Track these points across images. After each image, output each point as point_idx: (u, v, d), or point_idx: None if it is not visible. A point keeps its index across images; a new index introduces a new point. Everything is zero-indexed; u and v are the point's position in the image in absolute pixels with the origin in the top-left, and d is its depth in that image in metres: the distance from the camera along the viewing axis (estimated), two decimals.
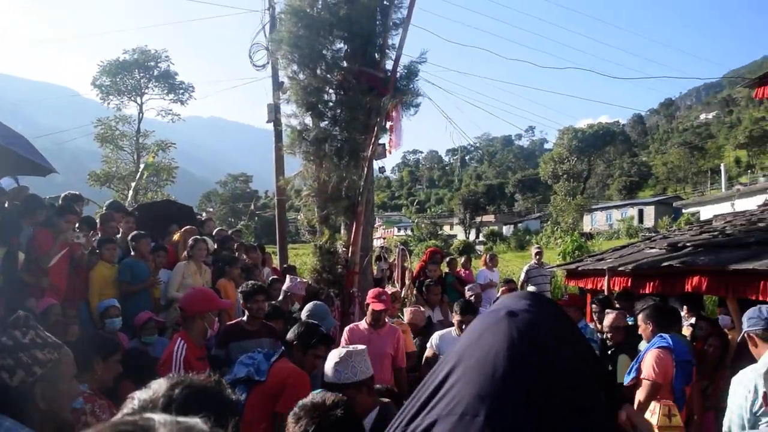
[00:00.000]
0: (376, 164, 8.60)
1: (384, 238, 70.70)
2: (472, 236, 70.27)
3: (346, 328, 5.80)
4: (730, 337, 5.95)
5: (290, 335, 4.08)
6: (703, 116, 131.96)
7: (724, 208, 25.57)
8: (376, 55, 8.45)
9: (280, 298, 6.78)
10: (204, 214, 9.82)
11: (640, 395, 4.56)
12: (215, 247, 8.45)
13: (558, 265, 10.66)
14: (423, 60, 8.45)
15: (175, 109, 42.01)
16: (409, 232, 69.59)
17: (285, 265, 9.92)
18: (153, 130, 41.60)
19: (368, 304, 5.57)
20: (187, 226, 8.16)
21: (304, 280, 7.46)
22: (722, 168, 45.03)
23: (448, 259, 11.37)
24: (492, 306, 1.14)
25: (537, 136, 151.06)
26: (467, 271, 10.88)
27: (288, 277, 7.08)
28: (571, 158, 70.32)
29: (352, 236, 8.29)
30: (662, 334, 4.83)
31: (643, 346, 5.56)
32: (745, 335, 4.04)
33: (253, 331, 5.29)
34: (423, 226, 65.41)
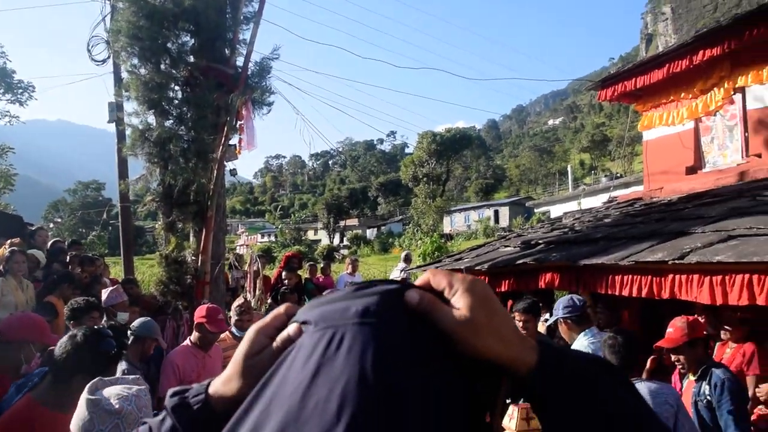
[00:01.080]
0: (228, 166, 8.10)
1: (248, 245, 69.26)
2: (336, 240, 70.28)
3: (173, 353, 4.97)
4: None
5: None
6: (551, 122, 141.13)
7: (572, 206, 27.19)
8: (225, 50, 7.92)
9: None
10: (36, 225, 8.78)
11: None
12: (45, 260, 7.59)
13: (418, 267, 10.65)
14: (275, 56, 8.04)
15: (15, 111, 38.44)
16: (273, 239, 68.49)
17: (125, 278, 9.11)
18: None
19: (200, 324, 4.81)
20: (14, 239, 7.28)
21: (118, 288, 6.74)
22: (569, 170, 48.05)
23: (307, 265, 11.09)
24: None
25: (398, 140, 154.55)
26: (327, 278, 10.62)
27: (104, 291, 6.47)
28: (430, 161, 72.23)
29: (202, 244, 7.73)
30: None
31: None
32: (560, 320, 4.64)
33: None
34: (287, 231, 64.54)
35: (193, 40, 7.80)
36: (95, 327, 3.25)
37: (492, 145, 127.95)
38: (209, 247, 7.78)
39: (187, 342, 4.97)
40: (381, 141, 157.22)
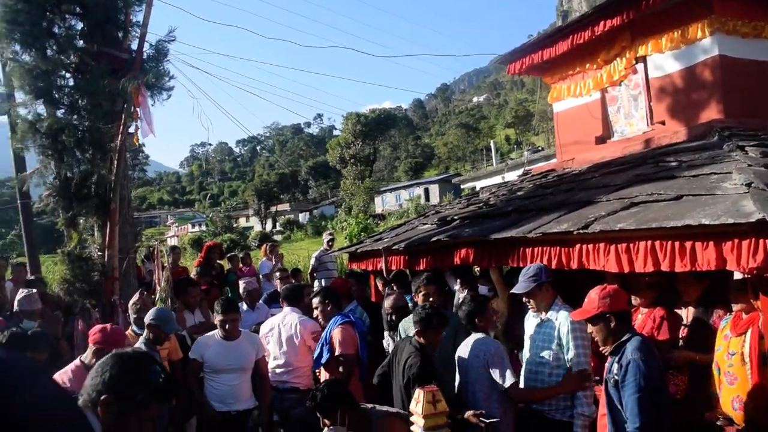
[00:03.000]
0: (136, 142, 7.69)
1: (178, 236, 67.54)
2: (269, 226, 69.39)
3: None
4: (493, 304, 6.05)
5: None
6: (475, 99, 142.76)
7: (496, 181, 27.52)
8: (118, 33, 7.50)
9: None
10: None
11: None
12: None
13: (340, 249, 10.50)
14: (172, 38, 7.63)
15: None
16: (204, 228, 67.01)
17: (32, 277, 8.62)
18: None
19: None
20: None
21: (32, 291, 6.35)
22: (492, 145, 48.68)
23: (229, 256, 10.81)
24: None
25: (326, 123, 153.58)
26: (248, 268, 10.39)
27: (20, 292, 6.07)
28: (356, 143, 71.97)
29: (107, 238, 7.35)
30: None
31: None
32: (545, 284, 4.56)
33: None
34: (218, 220, 63.19)
35: (81, 24, 7.34)
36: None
37: (419, 124, 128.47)
38: (115, 241, 7.40)
39: (78, 362, 4.46)
40: (308, 124, 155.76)
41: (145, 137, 7.20)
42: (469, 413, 4.18)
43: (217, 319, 5.21)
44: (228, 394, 5.16)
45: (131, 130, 7.34)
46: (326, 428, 3.85)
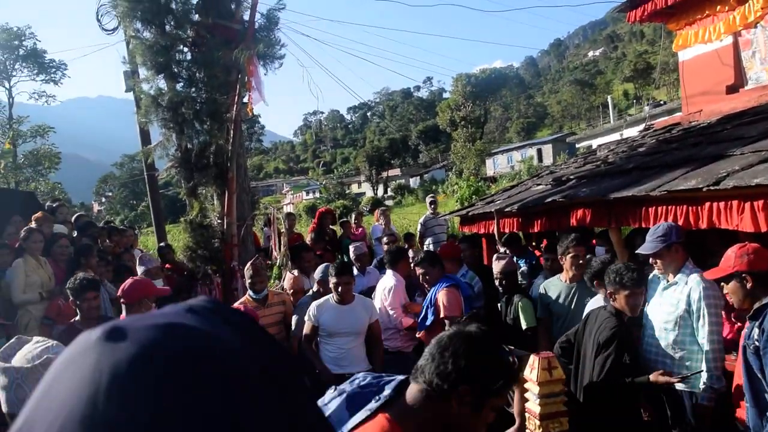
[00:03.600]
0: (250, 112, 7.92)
1: (292, 204, 69.89)
2: (380, 192, 70.24)
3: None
4: None
5: None
6: (591, 54, 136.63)
7: (614, 138, 26.28)
8: (230, 5, 7.68)
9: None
10: (56, 202, 8.78)
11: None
12: (74, 234, 7.62)
13: (450, 213, 10.37)
14: (282, 6, 7.73)
15: (52, 91, 38.98)
16: (317, 195, 68.83)
17: (161, 244, 9.13)
18: (27, 116, 38.45)
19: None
20: (39, 214, 7.28)
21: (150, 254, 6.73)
22: (609, 101, 46.42)
23: (341, 221, 10.96)
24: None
25: (435, 86, 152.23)
26: (360, 230, 10.48)
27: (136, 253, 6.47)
28: (466, 104, 70.91)
29: (226, 206, 7.64)
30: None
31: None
32: (675, 245, 4.17)
33: None
34: (331, 187, 64.63)
35: None
36: None
37: (531, 82, 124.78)
38: (233, 208, 7.68)
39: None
40: (418, 88, 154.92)
41: (257, 104, 7.35)
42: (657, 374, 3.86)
43: (331, 282, 5.28)
44: (343, 357, 5.26)
45: (245, 100, 7.53)
46: None
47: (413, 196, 54.11)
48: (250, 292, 5.44)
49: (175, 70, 7.50)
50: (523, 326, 5.35)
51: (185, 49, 7.69)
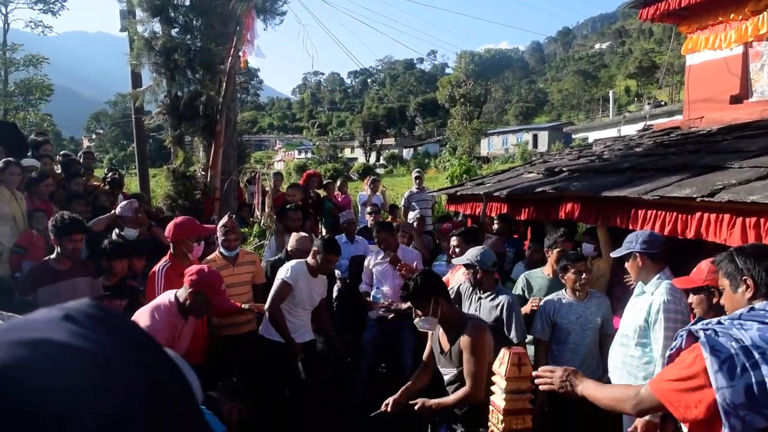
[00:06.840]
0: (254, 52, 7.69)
1: (284, 161, 69.41)
2: (372, 159, 69.92)
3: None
4: (595, 265, 5.69)
5: None
6: (597, 46, 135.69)
7: (611, 133, 26.20)
8: None
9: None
10: (41, 136, 8.47)
11: None
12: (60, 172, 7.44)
13: (439, 190, 10.25)
14: None
15: (49, 22, 38.04)
16: (309, 155, 68.42)
17: (133, 193, 8.91)
18: (22, 44, 37.53)
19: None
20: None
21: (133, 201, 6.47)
22: (611, 95, 46.18)
23: (324, 183, 10.74)
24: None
25: (439, 60, 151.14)
26: (344, 195, 10.30)
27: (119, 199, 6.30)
28: (468, 82, 70.37)
29: (211, 159, 7.47)
30: None
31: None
32: (635, 254, 4.08)
33: (64, 271, 4.51)
34: (323, 149, 64.23)
35: None
36: None
37: (535, 68, 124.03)
38: (218, 162, 7.53)
39: (172, 298, 4.06)
40: (421, 60, 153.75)
41: (250, 56, 7.15)
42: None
43: (317, 255, 5.12)
44: (301, 326, 5.23)
45: (240, 53, 7.31)
46: (417, 318, 3.80)
47: (405, 167, 53.97)
48: (221, 248, 5.26)
49: (172, 14, 7.29)
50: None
51: None
